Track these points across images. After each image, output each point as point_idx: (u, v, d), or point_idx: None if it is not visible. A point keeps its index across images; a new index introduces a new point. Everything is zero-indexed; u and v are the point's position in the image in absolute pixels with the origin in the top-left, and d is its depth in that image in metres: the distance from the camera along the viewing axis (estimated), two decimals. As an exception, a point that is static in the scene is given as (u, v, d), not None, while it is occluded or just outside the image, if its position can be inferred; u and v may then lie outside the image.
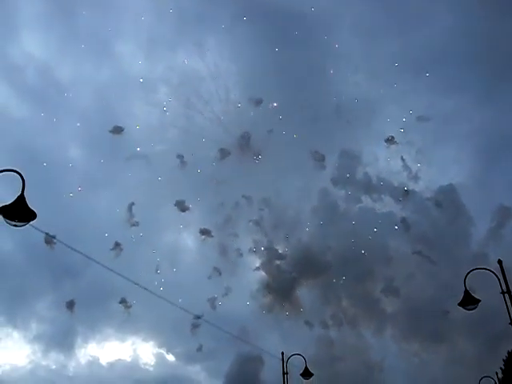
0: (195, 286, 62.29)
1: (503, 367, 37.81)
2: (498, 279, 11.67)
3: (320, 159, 60.46)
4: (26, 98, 72.79)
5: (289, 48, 66.23)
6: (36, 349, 71.61)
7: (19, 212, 8.99)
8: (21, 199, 9.11)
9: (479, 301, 12.44)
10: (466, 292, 12.50)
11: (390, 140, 63.14)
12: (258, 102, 61.25)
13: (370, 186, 62.10)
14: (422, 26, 65.68)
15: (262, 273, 62.52)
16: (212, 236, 57.40)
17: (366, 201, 62.92)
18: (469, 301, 12.64)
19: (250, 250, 60.41)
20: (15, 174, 9.78)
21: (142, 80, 72.68)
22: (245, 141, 58.39)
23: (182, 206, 56.47)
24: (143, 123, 64.90)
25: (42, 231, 12.55)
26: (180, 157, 59.69)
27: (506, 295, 11.56)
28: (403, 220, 59.30)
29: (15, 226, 8.95)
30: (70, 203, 63.14)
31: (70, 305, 50.99)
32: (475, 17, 59.42)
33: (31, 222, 9.56)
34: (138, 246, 58.24)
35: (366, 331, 59.69)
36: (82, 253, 16.01)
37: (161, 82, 76.52)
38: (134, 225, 57.51)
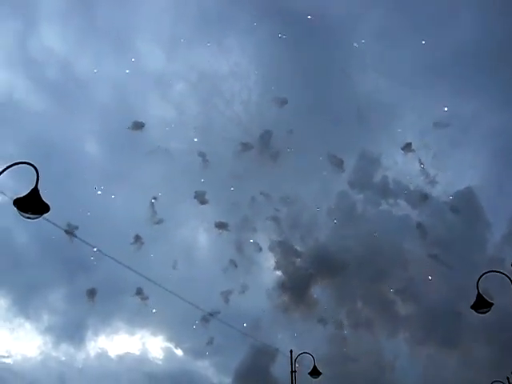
0: (209, 281, 62.44)
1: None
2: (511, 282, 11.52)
3: (338, 163, 60.35)
4: (45, 92, 73.73)
5: (309, 49, 65.84)
6: (47, 340, 72.53)
7: (33, 204, 9.08)
8: (34, 192, 9.19)
9: (492, 304, 12.29)
10: (479, 295, 12.35)
11: (408, 145, 62.81)
12: (279, 103, 61.17)
13: (387, 190, 61.74)
14: (443, 27, 65.01)
15: (278, 270, 62.52)
16: (228, 230, 57.49)
17: (384, 204, 62.68)
18: (482, 304, 12.49)
19: (267, 247, 60.54)
20: (30, 166, 9.88)
21: (161, 77, 73.23)
22: (265, 140, 58.39)
23: (201, 199, 56.49)
24: (162, 120, 65.36)
25: (56, 225, 12.67)
26: (200, 153, 59.85)
27: (519, 299, 11.39)
28: (419, 224, 58.84)
29: (28, 218, 9.06)
30: (90, 197, 63.85)
31: (91, 293, 50.58)
32: (495, 18, 58.63)
33: (44, 215, 9.67)
34: (157, 240, 58.54)
35: (379, 332, 59.51)
36: (93, 246, 16.16)
37: (180, 79, 76.70)
38: (154, 220, 57.95)
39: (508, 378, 24.90)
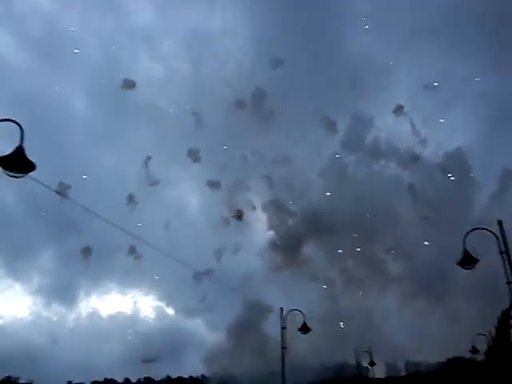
0: (202, 241, 63.05)
1: (497, 325, 38.39)
2: (497, 239, 11.66)
3: (331, 124, 59.99)
4: (30, 49, 71.63)
5: (303, 10, 64.47)
6: (37, 301, 73.45)
7: (18, 163, 8.93)
8: (19, 150, 9.02)
9: (478, 260, 12.48)
10: (465, 252, 12.53)
11: (400, 108, 62.44)
12: (272, 63, 60.04)
13: (378, 151, 61.82)
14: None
15: (270, 230, 63.13)
16: (221, 189, 57.38)
17: (375, 165, 62.91)
18: (468, 260, 12.69)
19: (259, 206, 60.84)
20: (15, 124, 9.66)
21: (150, 34, 71.30)
22: (258, 99, 57.53)
23: (194, 157, 55.97)
24: (152, 78, 64.14)
25: (43, 184, 12.53)
26: (193, 113, 58.87)
27: (505, 255, 11.58)
28: (410, 185, 59.31)
29: (14, 177, 8.92)
30: (81, 157, 63.17)
31: (86, 252, 50.18)
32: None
33: (31, 174, 9.55)
34: (150, 200, 58.50)
35: (370, 290, 60.86)
36: (83, 207, 16.09)
37: (170, 37, 74.99)
38: (147, 180, 57.45)
39: (490, 331, 25.77)
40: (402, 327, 56.36)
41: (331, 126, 59.03)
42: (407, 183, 58.64)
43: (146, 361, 57.19)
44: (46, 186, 11.89)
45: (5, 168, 8.85)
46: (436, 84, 61.69)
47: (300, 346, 41.57)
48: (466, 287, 51.62)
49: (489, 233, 12.18)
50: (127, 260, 55.87)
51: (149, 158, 54.41)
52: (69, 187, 46.29)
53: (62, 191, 46.42)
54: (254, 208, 58.20)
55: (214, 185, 55.96)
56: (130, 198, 53.11)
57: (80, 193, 51.17)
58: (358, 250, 57.91)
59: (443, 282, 52.93)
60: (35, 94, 61.37)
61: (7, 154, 8.95)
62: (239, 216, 55.49)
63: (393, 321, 56.51)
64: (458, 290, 53.02)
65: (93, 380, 63.81)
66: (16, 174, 8.92)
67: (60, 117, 62.91)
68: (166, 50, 70.11)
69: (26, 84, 63.29)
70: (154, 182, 54.95)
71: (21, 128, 9.39)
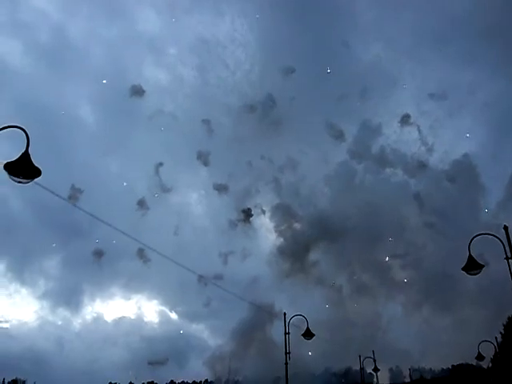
0: (209, 245, 62.98)
1: (503, 332, 38.23)
2: (503, 244, 11.61)
3: (339, 133, 60.43)
4: (37, 56, 72.15)
5: (311, 19, 64.77)
6: (44, 305, 73.78)
7: (24, 169, 8.97)
8: (25, 156, 9.07)
9: (483, 266, 12.42)
10: (470, 257, 12.47)
11: (406, 116, 62.90)
12: (283, 71, 60.42)
13: (386, 159, 62.06)
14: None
15: (277, 234, 63.20)
16: (229, 193, 57.51)
17: (382, 173, 63.13)
18: (472, 266, 12.62)
19: (267, 211, 60.99)
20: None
21: (157, 41, 71.66)
22: (268, 106, 57.86)
23: (204, 159, 56.21)
24: (159, 85, 64.55)
25: (47, 189, 12.61)
26: (203, 120, 59.03)
27: (511, 261, 11.52)
28: (417, 193, 59.49)
29: (20, 182, 8.95)
30: (90, 163, 63.31)
31: (98, 254, 50.25)
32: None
33: (37, 180, 9.59)
34: (159, 205, 58.71)
35: (376, 296, 60.78)
36: (88, 212, 16.12)
37: (177, 44, 75.30)
38: (158, 185, 57.70)
39: (496, 338, 25.59)
40: (407, 333, 56.22)
41: (339, 134, 59.49)
42: (414, 190, 58.84)
43: (151, 363, 57.26)
44: (52, 192, 11.95)
45: (11, 174, 8.89)
46: (442, 92, 62.11)
47: (305, 351, 41.56)
48: (472, 294, 51.47)
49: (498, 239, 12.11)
50: (132, 265, 56.06)
51: (160, 164, 54.74)
52: (80, 191, 46.54)
53: (74, 195, 46.63)
54: (263, 212, 58.33)
55: (221, 189, 56.26)
56: (140, 204, 53.37)
57: (86, 199, 51.52)
58: (364, 255, 57.91)
59: (449, 288, 52.79)
60: (42, 100, 61.85)
61: (13, 160, 9.00)
62: (247, 215, 55.54)
63: (397, 327, 56.39)
64: (464, 296, 52.87)
65: (97, 384, 63.72)
66: (22, 180, 8.94)
67: (67, 123, 63.37)
68: (174, 58, 70.76)
69: (33, 90, 63.80)
70: (164, 189, 55.29)
71: (26, 134, 9.44)
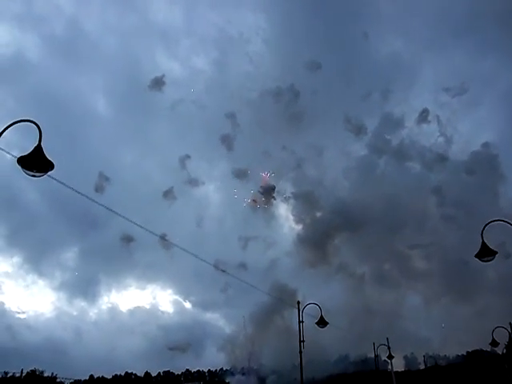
0: (229, 235, 63.33)
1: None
2: (515, 231, 11.52)
3: (360, 126, 60.28)
4: (52, 49, 72.47)
5: (330, 13, 64.09)
6: (60, 296, 74.96)
7: (37, 162, 9.08)
8: (38, 150, 9.18)
9: (496, 252, 12.34)
10: (483, 244, 12.40)
11: (425, 110, 62.53)
12: (305, 65, 60.06)
13: (406, 151, 61.74)
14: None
15: (298, 223, 63.34)
16: (249, 180, 57.34)
17: (402, 165, 62.86)
18: (486, 252, 12.55)
19: (288, 199, 61.13)
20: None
21: (175, 33, 71.36)
22: (291, 97, 57.63)
23: (228, 144, 56.11)
24: (178, 76, 64.59)
25: (62, 182, 12.71)
26: (223, 109, 58.76)
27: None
28: (437, 185, 59.15)
29: (33, 176, 9.08)
30: (104, 154, 63.52)
31: (128, 239, 50.71)
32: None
33: (49, 173, 9.70)
34: (181, 195, 58.97)
35: (396, 285, 60.80)
36: (105, 206, 16.28)
37: (197, 36, 75.07)
38: (183, 176, 57.83)
39: (510, 324, 25.45)
40: (424, 322, 56.28)
41: (359, 127, 59.41)
42: (434, 181, 58.57)
43: (172, 348, 58.13)
44: (65, 185, 12.08)
45: (24, 167, 9.01)
46: (461, 83, 61.52)
47: (323, 339, 41.78)
48: (491, 283, 51.21)
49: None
50: (148, 256, 56.57)
51: (185, 155, 54.95)
52: (107, 179, 46.92)
53: (100, 184, 47.26)
54: (286, 199, 58.38)
55: (241, 176, 56.33)
56: (165, 195, 53.70)
57: (106, 190, 51.98)
58: (384, 245, 57.70)
59: (468, 277, 52.58)
60: (58, 93, 62.22)
61: (26, 154, 9.12)
62: (269, 194, 55.47)
63: (415, 315, 56.45)
64: (482, 285, 52.68)
65: (114, 373, 64.94)
66: (36, 174, 9.06)
67: (82, 115, 63.83)
68: (192, 49, 70.65)
69: (48, 83, 64.21)
70: (187, 179, 55.55)
71: (39, 128, 9.55)
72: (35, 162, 8.96)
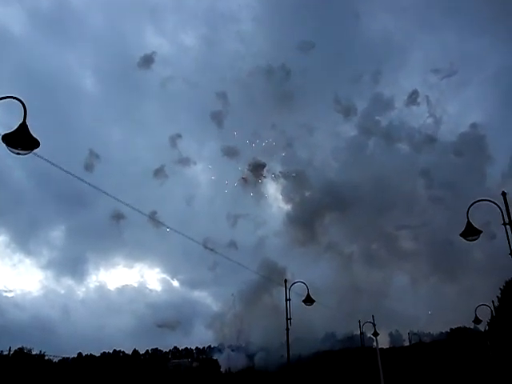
0: (218, 214, 63.25)
1: (500, 295, 38.72)
2: (501, 210, 11.69)
3: (349, 106, 60.07)
4: (39, 23, 70.72)
5: None
6: (48, 275, 74.85)
7: (22, 140, 8.95)
8: (23, 127, 9.03)
9: (480, 232, 12.54)
10: (468, 223, 12.57)
11: (415, 92, 62.50)
12: (293, 44, 59.36)
13: (394, 133, 61.84)
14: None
15: (287, 202, 63.53)
16: (239, 159, 57.17)
17: (391, 146, 63.03)
18: (470, 232, 12.74)
19: (276, 178, 61.18)
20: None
21: (163, 11, 69.84)
22: (281, 75, 57.01)
23: (218, 119, 55.63)
24: (166, 54, 63.54)
25: (47, 160, 12.54)
26: (213, 87, 57.94)
27: (508, 226, 11.62)
28: (425, 167, 59.50)
29: (18, 154, 8.95)
30: (91, 132, 62.68)
31: (117, 217, 50.65)
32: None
33: (35, 151, 9.57)
34: (171, 174, 58.57)
35: (384, 265, 61.58)
36: (92, 185, 16.13)
37: (188, 14, 73.67)
38: (173, 155, 57.28)
39: (493, 302, 26.06)
40: (410, 300, 57.27)
41: (349, 108, 59.27)
42: (422, 163, 58.87)
43: (160, 326, 58.56)
44: (51, 163, 11.93)
45: (9, 145, 8.87)
46: (451, 64, 61.46)
47: (310, 317, 42.34)
48: (477, 263, 52.08)
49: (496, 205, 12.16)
50: (136, 235, 56.47)
51: (178, 135, 54.53)
52: (98, 157, 46.45)
53: (91, 162, 47.02)
54: (276, 177, 58.39)
55: (232, 154, 56.10)
56: (155, 173, 53.32)
57: (93, 169, 51.54)
58: (372, 225, 58.06)
59: (454, 257, 53.41)
60: (44, 69, 61.03)
61: (11, 131, 8.97)
62: (259, 172, 55.45)
63: (401, 294, 57.38)
64: (468, 265, 53.61)
65: (102, 351, 65.39)
66: (20, 151, 8.94)
67: (70, 92, 62.81)
68: (181, 26, 69.34)
69: (33, 58, 62.80)
70: (177, 158, 55.06)
71: (23, 105, 9.38)
72: (20, 140, 8.82)
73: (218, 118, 55.96)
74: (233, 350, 63.15)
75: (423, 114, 65.08)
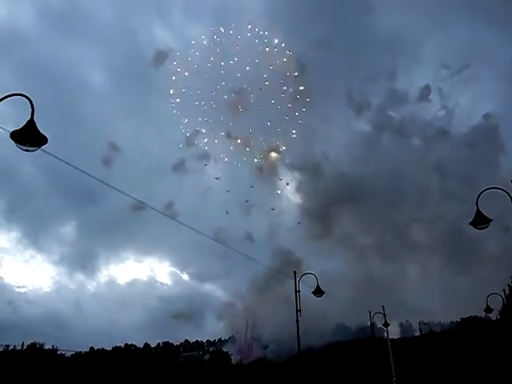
0: (232, 206, 63.19)
1: (511, 284, 38.57)
2: (510, 197, 11.56)
3: (363, 101, 59.85)
4: (49, 21, 70.76)
5: None
6: (60, 270, 75.47)
7: (30, 137, 9.00)
8: (30, 124, 9.09)
9: (490, 220, 12.40)
10: (478, 211, 12.45)
11: (427, 86, 62.06)
12: (306, 39, 59.03)
13: (408, 127, 61.56)
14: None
15: (300, 193, 63.44)
16: (254, 148, 57.13)
17: (404, 141, 62.76)
18: (480, 220, 12.62)
19: (290, 170, 61.07)
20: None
21: (171, 6, 69.20)
22: (299, 68, 56.85)
23: (232, 111, 55.47)
24: (178, 50, 63.28)
25: (56, 156, 12.61)
26: (227, 83, 57.98)
27: (518, 214, 11.50)
28: (438, 161, 59.21)
29: (27, 150, 9.01)
30: (101, 128, 62.75)
31: (137, 208, 50.92)
32: None
33: (44, 147, 9.63)
34: (190, 167, 58.55)
35: (395, 255, 61.47)
36: (101, 180, 16.23)
37: (198, 11, 73.32)
38: (188, 149, 57.39)
39: (504, 290, 25.91)
40: (422, 290, 57.15)
41: (362, 103, 59.10)
42: (436, 155, 58.60)
43: (176, 316, 58.81)
44: (58, 158, 12.01)
45: (17, 142, 8.93)
46: (464, 56, 60.88)
47: (320, 309, 42.40)
48: (490, 253, 51.81)
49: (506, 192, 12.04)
50: (146, 229, 56.62)
51: (195, 129, 54.34)
52: (118, 149, 46.72)
53: (109, 156, 47.24)
54: (290, 169, 58.21)
55: (247, 146, 56.14)
56: (174, 167, 53.25)
57: (99, 164, 51.76)
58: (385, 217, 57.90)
59: (467, 248, 53.16)
60: (54, 66, 61.17)
61: (19, 128, 9.03)
62: (272, 164, 55.26)
63: (412, 285, 57.29)
64: (481, 255, 53.34)
65: (114, 345, 65.89)
66: (29, 148, 9.00)
67: (80, 89, 62.92)
68: (189, 21, 69.13)
69: (43, 55, 62.94)
70: (196, 153, 55.16)
71: (31, 102, 9.44)
72: (28, 137, 8.88)
73: (232, 112, 55.97)
74: (245, 341, 63.45)
75: (435, 108, 64.62)
